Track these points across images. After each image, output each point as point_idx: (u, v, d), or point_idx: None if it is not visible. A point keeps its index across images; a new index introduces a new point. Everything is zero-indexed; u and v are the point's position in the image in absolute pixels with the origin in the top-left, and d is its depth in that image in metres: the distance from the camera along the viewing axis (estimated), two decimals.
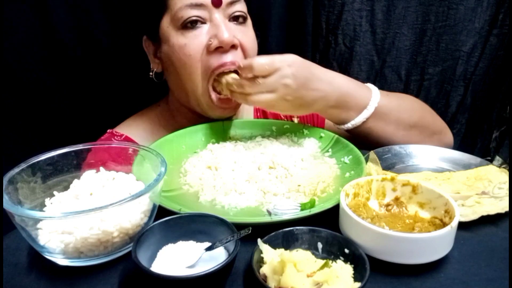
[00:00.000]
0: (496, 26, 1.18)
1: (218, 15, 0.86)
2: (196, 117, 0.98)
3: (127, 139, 0.97)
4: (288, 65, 0.79)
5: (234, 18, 0.89)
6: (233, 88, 0.83)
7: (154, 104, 1.08)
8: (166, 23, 0.89)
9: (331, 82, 0.84)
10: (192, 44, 0.86)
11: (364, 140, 0.91)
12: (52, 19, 1.04)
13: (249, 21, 0.94)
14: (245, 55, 0.90)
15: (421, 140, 0.91)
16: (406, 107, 0.93)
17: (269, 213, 0.68)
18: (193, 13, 0.85)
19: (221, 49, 0.86)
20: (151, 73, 0.98)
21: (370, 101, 0.86)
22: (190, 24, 0.86)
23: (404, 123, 0.90)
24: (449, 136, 1.00)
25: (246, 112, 1.08)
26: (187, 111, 0.99)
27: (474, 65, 1.23)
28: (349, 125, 0.88)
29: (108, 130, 1.00)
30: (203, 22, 0.87)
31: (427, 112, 0.99)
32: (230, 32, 0.86)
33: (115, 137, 0.97)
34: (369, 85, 0.91)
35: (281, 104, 0.82)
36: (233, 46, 0.87)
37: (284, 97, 0.81)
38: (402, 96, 0.99)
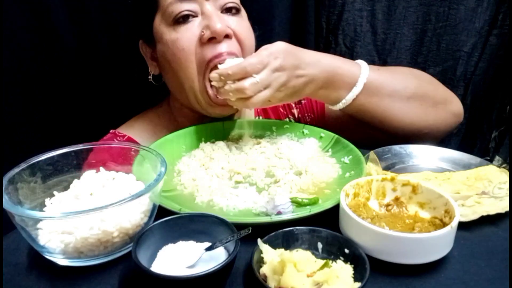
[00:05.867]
0: (496, 26, 1.18)
1: (209, 6, 0.85)
2: (197, 117, 0.97)
3: (130, 139, 0.97)
4: (275, 58, 0.77)
5: (227, 10, 0.88)
6: (229, 97, 0.79)
7: (156, 105, 1.08)
8: (158, 21, 0.88)
9: (318, 64, 0.82)
10: (184, 37, 0.85)
11: (362, 119, 0.89)
12: (52, 20, 1.04)
13: (243, 13, 0.92)
14: (241, 45, 0.89)
15: (423, 111, 0.89)
16: (400, 78, 0.90)
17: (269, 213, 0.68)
18: (184, 7, 0.84)
19: (214, 40, 0.84)
20: (149, 77, 0.98)
21: (359, 77, 0.84)
22: (181, 19, 0.85)
23: (400, 95, 0.87)
24: (456, 104, 0.95)
25: (248, 111, 1.07)
26: (188, 111, 0.98)
27: (474, 65, 1.23)
28: (340, 104, 0.86)
29: (111, 131, 0.99)
30: (195, 16, 0.85)
31: (426, 81, 0.95)
32: (222, 22, 0.84)
33: (118, 138, 0.97)
34: (359, 61, 0.88)
35: (276, 97, 0.80)
36: (227, 36, 0.85)
37: (278, 90, 0.79)
38: (396, 69, 0.96)
